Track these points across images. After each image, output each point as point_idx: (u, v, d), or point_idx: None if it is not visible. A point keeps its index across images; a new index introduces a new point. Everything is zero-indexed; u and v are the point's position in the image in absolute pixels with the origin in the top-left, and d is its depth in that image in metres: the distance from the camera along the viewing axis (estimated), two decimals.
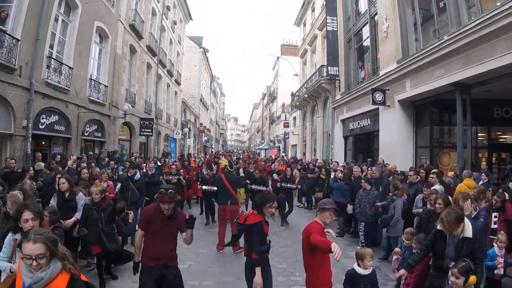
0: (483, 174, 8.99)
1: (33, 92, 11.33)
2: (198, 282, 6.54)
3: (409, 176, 8.80)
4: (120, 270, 6.86)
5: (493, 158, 13.39)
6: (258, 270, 4.37)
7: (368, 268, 4.34)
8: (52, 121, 13.07)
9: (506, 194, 6.27)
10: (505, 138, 13.93)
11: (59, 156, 12.10)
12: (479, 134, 13.47)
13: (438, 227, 4.47)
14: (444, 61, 10.73)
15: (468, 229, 4.34)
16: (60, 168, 9.83)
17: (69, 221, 6.26)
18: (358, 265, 4.39)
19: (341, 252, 3.40)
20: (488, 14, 8.67)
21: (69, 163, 10.45)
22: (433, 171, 8.67)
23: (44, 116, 12.51)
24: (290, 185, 11.42)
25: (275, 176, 12.22)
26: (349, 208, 9.60)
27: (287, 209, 11.29)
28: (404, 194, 7.99)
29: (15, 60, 10.51)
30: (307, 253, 4.06)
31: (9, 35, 10.26)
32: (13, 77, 10.63)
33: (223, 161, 9.89)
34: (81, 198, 6.65)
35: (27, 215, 3.62)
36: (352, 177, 10.34)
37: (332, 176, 11.51)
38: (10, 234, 3.99)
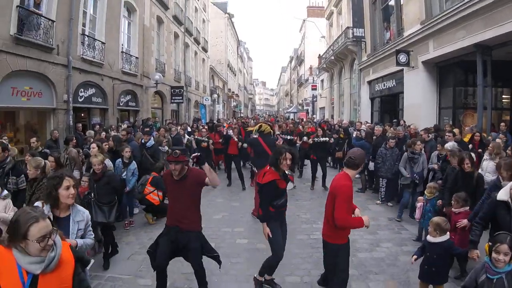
0: (500, 135, 9.24)
1: (71, 68, 12.19)
2: (231, 229, 7.44)
3: (421, 135, 9.20)
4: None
5: None
6: (264, 226, 4.64)
7: (435, 237, 4.34)
8: (89, 94, 14.02)
9: None
10: None
11: (98, 126, 13.00)
12: (504, 96, 13.46)
13: (500, 197, 4.10)
14: (465, 23, 10.77)
15: None
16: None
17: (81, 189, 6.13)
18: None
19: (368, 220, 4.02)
20: None
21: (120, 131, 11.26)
22: (449, 129, 9.22)
23: (82, 90, 13.46)
24: (322, 139, 10.92)
25: (305, 138, 11.44)
26: (371, 165, 10.03)
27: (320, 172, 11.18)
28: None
29: (52, 40, 11.31)
30: (330, 208, 4.05)
31: (44, 17, 11.04)
32: (52, 56, 11.47)
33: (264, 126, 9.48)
34: (110, 165, 6.88)
35: (67, 182, 3.28)
36: (373, 136, 10.81)
37: (354, 135, 11.98)
38: (37, 203, 3.49)
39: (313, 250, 6.28)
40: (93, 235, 3.47)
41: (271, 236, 4.58)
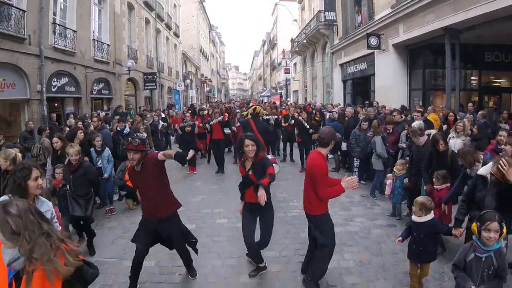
0: (468, 114, 9.66)
1: (43, 58, 12.02)
2: (211, 210, 7.69)
3: (393, 117, 9.46)
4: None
5: (491, 102, 13.80)
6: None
7: (420, 216, 4.33)
8: (62, 83, 13.84)
9: None
10: (499, 82, 14.44)
11: (72, 115, 12.94)
12: (472, 78, 14.01)
13: (480, 172, 4.26)
14: (434, 7, 11.12)
15: None
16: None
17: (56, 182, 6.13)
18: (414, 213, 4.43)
19: (354, 182, 4.11)
20: None
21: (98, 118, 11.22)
22: (418, 109, 9.60)
23: (55, 79, 13.28)
24: (306, 125, 10.94)
25: (292, 122, 11.57)
26: (343, 146, 10.30)
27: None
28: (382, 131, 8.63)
29: (24, 30, 11.15)
30: (309, 185, 4.31)
31: (15, 7, 10.82)
32: (24, 46, 11.29)
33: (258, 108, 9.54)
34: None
35: (36, 173, 3.25)
36: (345, 117, 11.08)
37: (327, 117, 12.28)
38: (4, 197, 3.34)
39: (290, 227, 6.59)
40: (60, 228, 3.45)
41: (241, 209, 4.89)
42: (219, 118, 11.14)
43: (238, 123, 11.13)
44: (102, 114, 13.25)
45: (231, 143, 12.83)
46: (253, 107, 9.06)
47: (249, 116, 8.91)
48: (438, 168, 5.73)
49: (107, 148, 7.90)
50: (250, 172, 4.56)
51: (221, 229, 6.65)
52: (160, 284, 4.77)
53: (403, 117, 9.69)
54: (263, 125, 8.85)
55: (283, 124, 11.96)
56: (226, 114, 12.27)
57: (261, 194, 4.07)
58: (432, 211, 4.40)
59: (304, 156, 10.94)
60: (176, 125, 11.98)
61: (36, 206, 3.04)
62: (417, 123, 8.07)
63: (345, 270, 5.02)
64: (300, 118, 11.14)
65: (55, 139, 6.85)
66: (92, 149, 7.80)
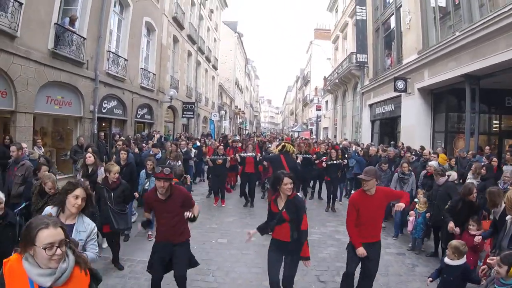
0: (483, 158, 10.26)
1: (98, 81, 13.41)
2: (241, 229, 8.55)
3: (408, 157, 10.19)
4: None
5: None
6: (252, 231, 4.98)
7: (453, 259, 4.49)
8: (112, 105, 15.28)
9: None
10: None
11: (118, 135, 14.26)
12: (494, 122, 14.47)
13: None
14: (456, 55, 11.94)
15: None
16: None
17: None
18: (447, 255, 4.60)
19: (363, 253, 4.75)
20: (491, 14, 9.84)
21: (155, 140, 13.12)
22: (434, 151, 10.41)
23: (105, 102, 14.70)
24: (335, 161, 11.02)
25: (324, 159, 11.27)
26: None
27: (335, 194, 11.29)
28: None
29: (83, 55, 12.55)
30: None
31: (77, 34, 12.25)
32: (82, 70, 12.69)
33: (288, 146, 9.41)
34: (102, 173, 6.62)
35: (78, 192, 3.41)
36: (369, 155, 11.98)
37: (354, 150, 13.31)
38: (47, 208, 3.68)
39: (310, 248, 7.30)
40: (97, 250, 3.44)
41: (250, 233, 4.96)
42: (253, 154, 11.29)
43: (261, 156, 11.24)
44: (157, 136, 15.32)
45: (261, 177, 12.42)
46: (282, 145, 9.29)
47: (278, 152, 9.10)
48: (463, 212, 5.95)
49: None
50: (284, 210, 4.62)
51: (250, 244, 7.41)
52: (197, 282, 5.64)
53: (414, 157, 10.40)
54: (293, 163, 9.02)
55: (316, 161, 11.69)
56: (258, 153, 11.93)
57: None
58: (465, 256, 4.55)
59: (331, 195, 11.05)
60: (208, 157, 11.80)
61: (76, 224, 3.39)
62: (433, 163, 8.80)
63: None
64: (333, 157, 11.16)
65: (88, 154, 7.11)
66: (143, 171, 8.27)
